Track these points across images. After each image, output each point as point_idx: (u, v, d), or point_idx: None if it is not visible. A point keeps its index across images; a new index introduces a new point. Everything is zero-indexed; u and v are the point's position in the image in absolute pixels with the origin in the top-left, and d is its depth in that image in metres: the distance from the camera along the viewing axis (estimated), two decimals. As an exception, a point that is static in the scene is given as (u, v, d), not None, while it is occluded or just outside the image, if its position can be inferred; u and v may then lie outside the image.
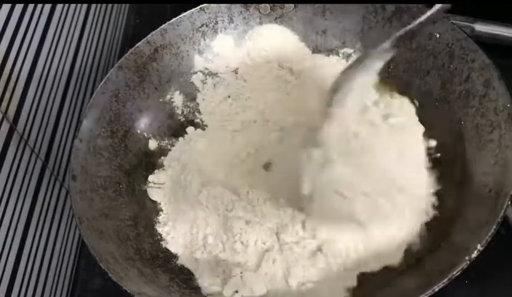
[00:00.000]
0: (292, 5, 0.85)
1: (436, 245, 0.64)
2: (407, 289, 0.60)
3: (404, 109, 0.77)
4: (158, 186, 0.78)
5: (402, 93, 0.78)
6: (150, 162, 0.81)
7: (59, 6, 0.79)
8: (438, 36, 0.75)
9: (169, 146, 0.82)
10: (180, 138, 0.83)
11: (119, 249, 0.67)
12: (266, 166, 0.78)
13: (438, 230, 0.66)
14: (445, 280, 0.54)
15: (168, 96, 0.84)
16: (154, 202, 0.77)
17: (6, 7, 0.66)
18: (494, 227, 0.56)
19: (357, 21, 0.82)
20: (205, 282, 0.67)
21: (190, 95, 0.86)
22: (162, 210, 0.76)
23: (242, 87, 0.85)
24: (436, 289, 0.54)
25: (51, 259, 0.76)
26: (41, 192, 0.74)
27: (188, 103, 0.85)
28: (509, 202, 0.58)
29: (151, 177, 0.78)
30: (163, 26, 0.82)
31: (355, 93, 0.65)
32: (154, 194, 0.77)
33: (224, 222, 0.71)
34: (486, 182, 0.63)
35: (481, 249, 0.55)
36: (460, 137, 0.70)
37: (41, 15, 0.74)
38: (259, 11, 0.86)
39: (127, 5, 1.10)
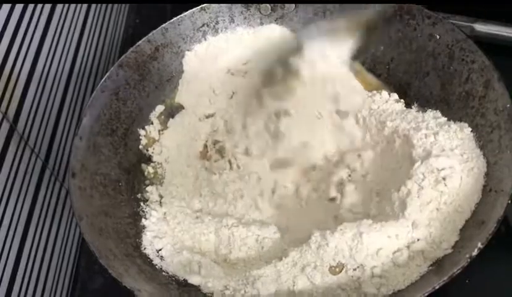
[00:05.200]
0: (293, 5, 0.85)
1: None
2: (408, 287, 0.60)
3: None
4: (158, 185, 0.79)
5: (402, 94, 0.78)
6: (150, 160, 0.81)
7: (59, 6, 0.79)
8: (437, 37, 0.75)
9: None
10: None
11: (119, 246, 0.67)
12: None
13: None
14: (445, 278, 0.54)
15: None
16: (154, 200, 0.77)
17: (6, 7, 0.67)
18: (494, 226, 0.56)
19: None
20: (206, 280, 0.67)
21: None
22: (161, 208, 0.76)
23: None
24: (437, 287, 0.54)
25: (51, 259, 0.76)
26: (41, 192, 0.74)
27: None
28: (509, 201, 0.58)
29: (149, 188, 0.78)
30: (164, 25, 0.82)
31: None
32: (153, 192, 0.77)
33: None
34: (486, 182, 0.63)
35: (481, 247, 0.55)
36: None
37: (41, 15, 0.74)
38: (260, 11, 0.86)
39: (127, 5, 1.10)
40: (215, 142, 0.82)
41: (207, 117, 0.85)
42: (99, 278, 0.77)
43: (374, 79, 0.82)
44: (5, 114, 0.66)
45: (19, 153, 0.69)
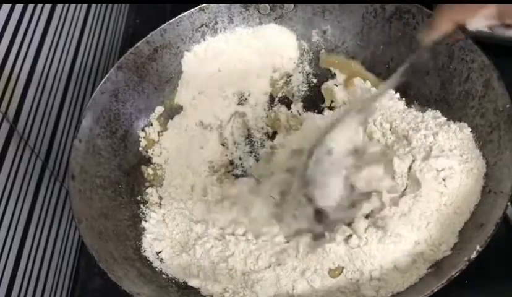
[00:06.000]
0: (292, 5, 0.85)
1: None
2: (407, 290, 0.60)
3: None
4: (158, 186, 0.79)
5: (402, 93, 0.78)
6: (149, 162, 0.81)
7: (59, 6, 0.79)
8: (437, 36, 0.74)
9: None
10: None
11: (118, 249, 0.67)
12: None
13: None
14: (444, 281, 0.54)
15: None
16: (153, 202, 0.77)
17: (6, 7, 0.67)
18: (493, 228, 0.56)
19: (357, 21, 0.83)
20: (206, 283, 0.67)
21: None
22: (161, 209, 0.76)
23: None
24: (435, 290, 0.54)
25: (51, 259, 0.76)
26: (41, 192, 0.74)
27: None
28: (509, 203, 0.58)
29: (149, 190, 0.78)
30: (163, 26, 0.82)
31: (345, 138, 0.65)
32: (153, 194, 0.77)
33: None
34: (486, 183, 0.63)
35: (480, 249, 0.55)
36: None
37: (41, 15, 0.74)
38: (259, 11, 0.86)
39: (127, 5, 1.10)
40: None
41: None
42: (99, 278, 0.77)
43: (374, 78, 0.82)
44: (5, 114, 0.66)
45: (19, 153, 0.69)
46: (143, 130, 0.81)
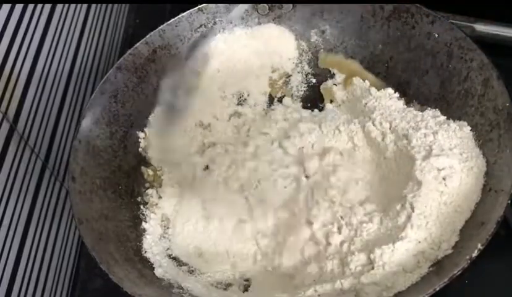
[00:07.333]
0: (291, 5, 0.85)
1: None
2: (409, 289, 0.60)
3: None
4: (158, 187, 0.79)
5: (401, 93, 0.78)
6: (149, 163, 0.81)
7: (59, 6, 0.79)
8: (436, 35, 0.75)
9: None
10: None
11: (119, 250, 0.67)
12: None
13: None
14: (446, 280, 0.54)
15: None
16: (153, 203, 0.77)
17: (6, 7, 0.66)
18: (494, 226, 0.56)
19: (356, 21, 0.82)
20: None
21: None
22: (160, 210, 0.76)
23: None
24: (437, 289, 0.54)
25: (51, 259, 0.76)
26: (41, 192, 0.74)
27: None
28: (509, 202, 0.58)
29: (149, 191, 0.78)
30: (161, 26, 0.82)
31: None
32: (153, 195, 0.77)
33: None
34: (486, 182, 0.63)
35: (481, 248, 0.55)
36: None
37: (41, 15, 0.74)
38: (257, 11, 0.85)
39: (127, 5, 1.10)
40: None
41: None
42: (100, 278, 0.77)
43: (372, 77, 0.82)
44: (5, 114, 0.66)
45: (19, 153, 0.69)
46: (142, 131, 0.81)
